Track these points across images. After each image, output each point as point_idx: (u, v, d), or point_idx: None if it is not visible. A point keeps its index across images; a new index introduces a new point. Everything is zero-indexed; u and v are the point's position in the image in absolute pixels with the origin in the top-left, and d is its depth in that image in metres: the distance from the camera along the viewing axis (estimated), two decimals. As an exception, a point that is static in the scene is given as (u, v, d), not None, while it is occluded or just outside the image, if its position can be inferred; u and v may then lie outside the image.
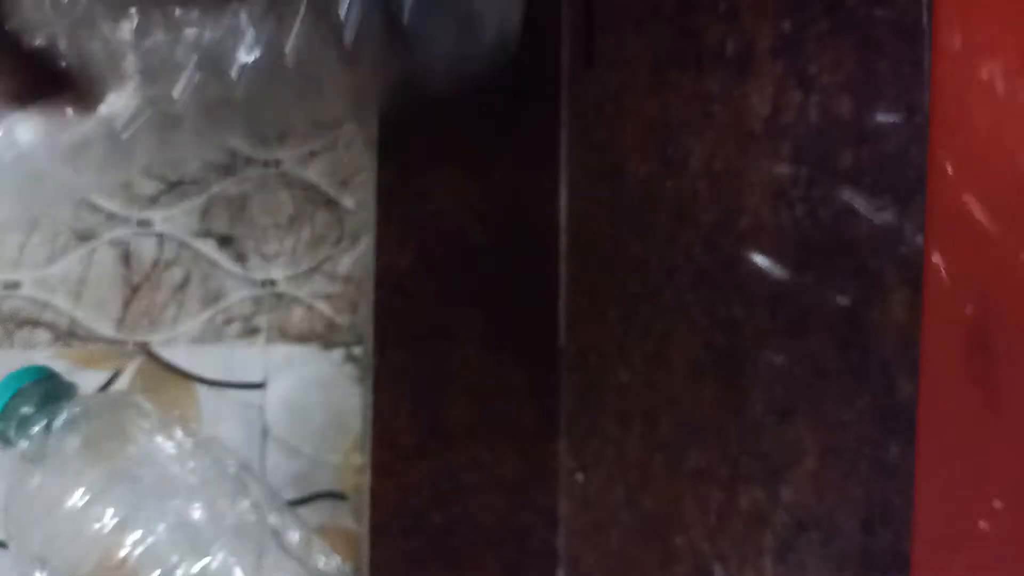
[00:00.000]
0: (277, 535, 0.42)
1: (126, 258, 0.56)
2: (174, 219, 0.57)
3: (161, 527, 0.41)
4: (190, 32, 0.35)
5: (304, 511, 0.59)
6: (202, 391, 0.58)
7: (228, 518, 0.41)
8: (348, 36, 0.36)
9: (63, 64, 0.26)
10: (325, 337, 0.59)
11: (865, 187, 0.30)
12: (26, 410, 0.44)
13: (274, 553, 0.41)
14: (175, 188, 0.57)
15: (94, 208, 0.55)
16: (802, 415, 0.33)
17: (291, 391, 0.59)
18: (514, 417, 0.60)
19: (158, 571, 0.40)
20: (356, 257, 0.60)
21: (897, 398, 0.28)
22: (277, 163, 0.58)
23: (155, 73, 0.36)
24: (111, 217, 0.56)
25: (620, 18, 0.50)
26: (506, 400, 0.59)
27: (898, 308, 0.29)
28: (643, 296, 0.45)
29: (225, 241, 0.58)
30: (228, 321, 0.58)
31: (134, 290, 0.56)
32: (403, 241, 0.58)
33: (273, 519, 0.44)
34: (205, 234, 0.57)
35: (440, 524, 0.61)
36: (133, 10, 0.34)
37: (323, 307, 0.59)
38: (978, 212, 0.25)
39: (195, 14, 0.35)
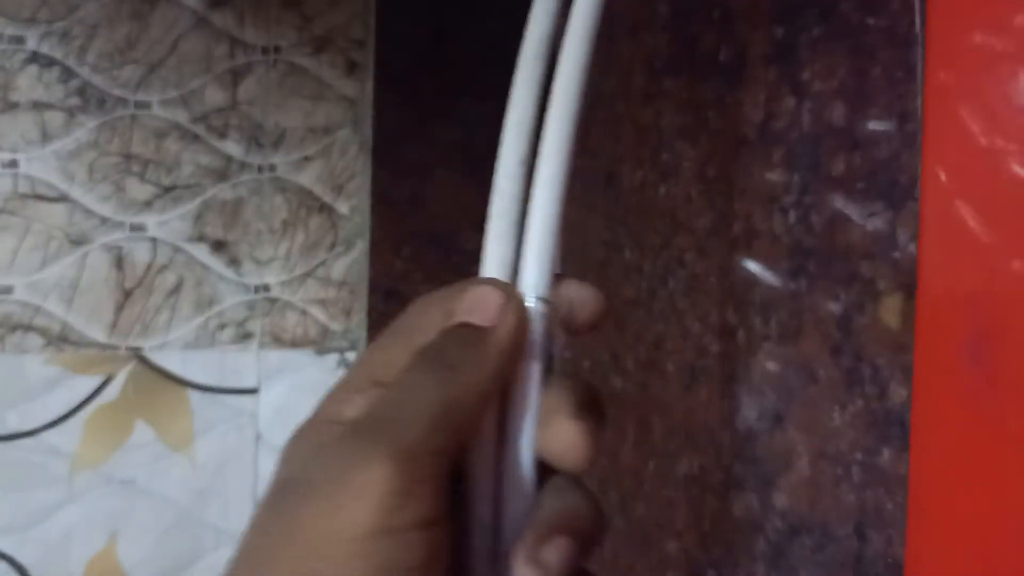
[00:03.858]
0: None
1: (119, 263, 0.56)
2: (168, 224, 0.57)
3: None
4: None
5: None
6: (195, 396, 0.57)
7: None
8: None
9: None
10: (319, 343, 0.59)
11: (858, 193, 0.30)
12: None
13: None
14: (169, 193, 0.57)
15: (87, 212, 0.55)
16: (795, 421, 0.33)
17: (284, 396, 0.59)
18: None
19: None
20: (350, 262, 0.60)
21: (890, 403, 0.28)
22: (271, 168, 0.58)
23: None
24: (104, 222, 0.56)
25: (614, 24, 0.50)
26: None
27: (890, 314, 0.29)
28: (636, 302, 0.45)
29: (219, 246, 0.58)
30: (221, 326, 0.58)
31: (127, 295, 0.56)
32: (397, 246, 0.58)
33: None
34: (199, 239, 0.57)
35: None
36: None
37: (317, 312, 0.59)
38: (971, 219, 0.25)
39: None
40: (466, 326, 0.21)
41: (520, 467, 0.21)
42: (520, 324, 0.21)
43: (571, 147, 0.23)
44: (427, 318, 0.22)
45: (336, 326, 0.59)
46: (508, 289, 0.22)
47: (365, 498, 0.16)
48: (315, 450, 0.19)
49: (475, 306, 0.21)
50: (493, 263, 0.23)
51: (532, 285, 0.22)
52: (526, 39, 0.24)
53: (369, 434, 0.18)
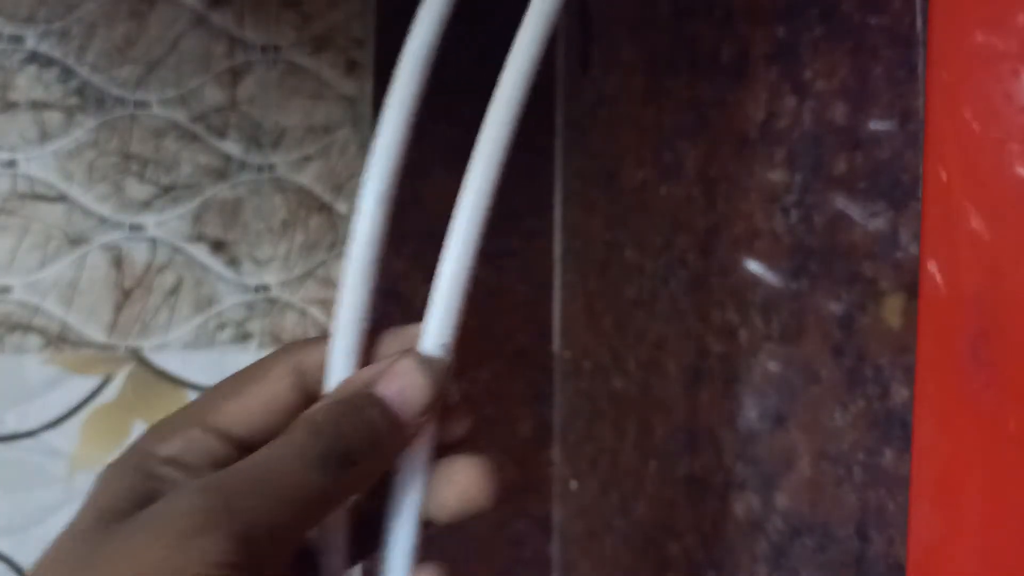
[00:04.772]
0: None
1: (118, 262, 0.56)
2: (167, 223, 0.57)
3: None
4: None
5: (296, 518, 0.59)
6: (194, 397, 0.57)
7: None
8: None
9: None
10: (318, 343, 0.59)
11: (860, 193, 0.30)
12: None
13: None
14: (168, 192, 0.57)
15: (86, 212, 0.55)
16: (796, 421, 0.33)
17: (284, 397, 0.59)
18: (508, 424, 0.60)
19: None
20: (350, 262, 0.59)
21: (891, 404, 0.28)
22: (271, 168, 0.58)
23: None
24: (103, 221, 0.56)
25: (615, 24, 0.50)
26: (500, 407, 0.59)
27: (892, 314, 0.29)
28: (638, 302, 0.45)
29: (218, 246, 0.57)
30: (221, 327, 0.58)
31: (126, 295, 0.56)
32: (397, 246, 0.57)
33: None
34: (198, 239, 0.57)
35: (433, 532, 0.60)
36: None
37: (317, 313, 0.59)
38: (973, 218, 0.25)
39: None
40: (378, 406, 0.20)
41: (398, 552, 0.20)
42: (430, 420, 0.20)
43: (492, 193, 0.21)
44: (273, 372, 0.21)
45: (336, 326, 0.59)
46: (438, 377, 0.20)
47: (199, 560, 0.16)
48: (147, 486, 0.18)
49: (397, 383, 0.20)
50: (344, 313, 0.22)
51: (435, 344, 0.20)
52: (405, 50, 0.21)
53: (223, 502, 0.17)
